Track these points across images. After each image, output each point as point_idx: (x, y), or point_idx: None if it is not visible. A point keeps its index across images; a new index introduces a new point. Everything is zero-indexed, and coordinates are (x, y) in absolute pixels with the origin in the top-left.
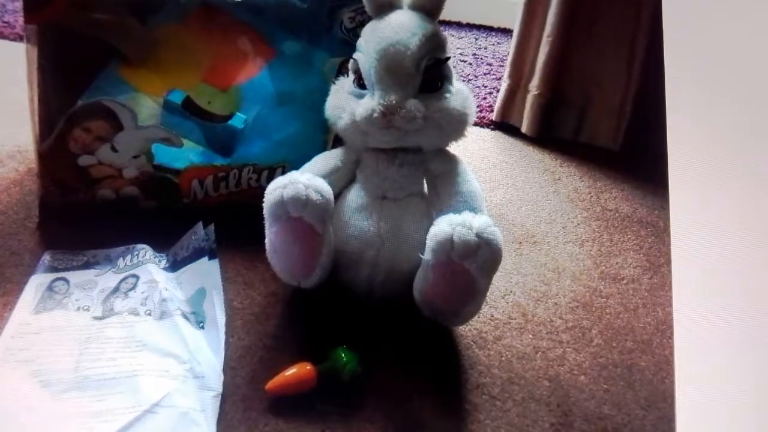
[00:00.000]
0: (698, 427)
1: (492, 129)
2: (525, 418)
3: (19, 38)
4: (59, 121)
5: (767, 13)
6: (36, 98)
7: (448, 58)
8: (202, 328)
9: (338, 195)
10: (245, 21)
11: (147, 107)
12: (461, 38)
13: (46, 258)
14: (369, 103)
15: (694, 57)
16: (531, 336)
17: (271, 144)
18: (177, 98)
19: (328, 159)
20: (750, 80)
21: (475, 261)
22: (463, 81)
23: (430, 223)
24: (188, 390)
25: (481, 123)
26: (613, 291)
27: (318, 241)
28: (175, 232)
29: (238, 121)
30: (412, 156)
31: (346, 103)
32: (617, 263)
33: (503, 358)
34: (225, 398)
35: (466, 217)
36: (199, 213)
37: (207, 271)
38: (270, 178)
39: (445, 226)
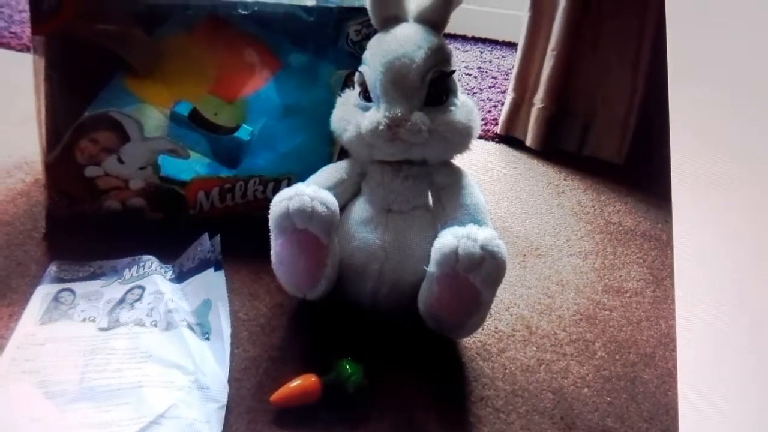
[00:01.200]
0: None
1: (497, 142)
2: (529, 431)
3: (26, 49)
4: (66, 132)
5: None
6: (43, 109)
7: (454, 71)
8: (208, 339)
9: (343, 207)
10: (252, 33)
11: (153, 118)
12: (466, 51)
13: (52, 269)
14: (374, 116)
15: (698, 70)
16: (535, 348)
17: (277, 156)
18: (183, 110)
19: (334, 171)
20: (754, 94)
21: (480, 273)
22: (468, 94)
23: (435, 236)
24: (193, 401)
25: (485, 136)
26: (616, 304)
27: (323, 253)
28: (181, 244)
29: (244, 132)
30: (417, 169)
31: (352, 116)
32: (621, 276)
33: (507, 371)
34: (230, 410)
35: (471, 229)
36: (205, 224)
37: (213, 282)
38: (276, 190)
39: (449, 239)
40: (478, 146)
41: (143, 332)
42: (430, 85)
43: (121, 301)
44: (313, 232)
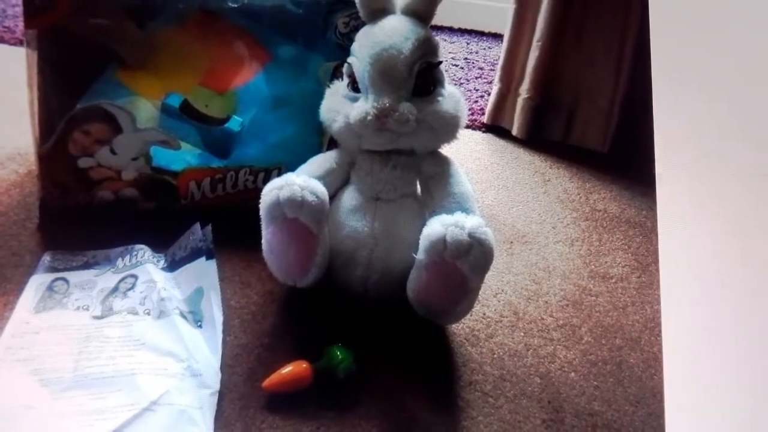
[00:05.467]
0: (687, 423)
1: (483, 131)
2: (517, 415)
3: (19, 43)
4: (59, 124)
5: (753, 16)
6: (36, 101)
7: (441, 62)
8: (200, 327)
9: (333, 196)
10: (242, 25)
11: (145, 110)
12: (453, 43)
13: (46, 258)
14: (363, 106)
15: (680, 60)
16: (522, 334)
17: (267, 146)
18: (175, 101)
19: (323, 161)
20: (736, 82)
21: (468, 260)
22: (455, 85)
23: (423, 224)
24: (186, 388)
25: (472, 126)
26: (602, 289)
27: (313, 241)
28: (173, 233)
29: (235, 123)
30: (405, 158)
31: (341, 106)
32: (606, 262)
33: (495, 356)
34: (222, 396)
35: (459, 217)
36: (197, 214)
37: (204, 271)
38: (266, 180)
39: (437, 227)
40: (465, 136)
41: (136, 320)
42: (418, 76)
43: (115, 289)
44: (304, 221)
